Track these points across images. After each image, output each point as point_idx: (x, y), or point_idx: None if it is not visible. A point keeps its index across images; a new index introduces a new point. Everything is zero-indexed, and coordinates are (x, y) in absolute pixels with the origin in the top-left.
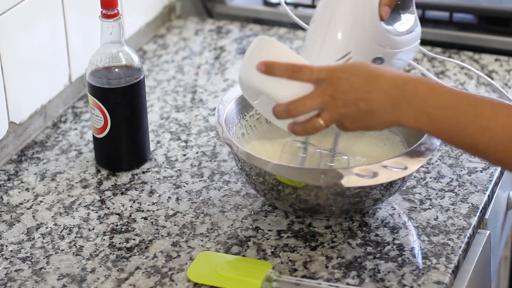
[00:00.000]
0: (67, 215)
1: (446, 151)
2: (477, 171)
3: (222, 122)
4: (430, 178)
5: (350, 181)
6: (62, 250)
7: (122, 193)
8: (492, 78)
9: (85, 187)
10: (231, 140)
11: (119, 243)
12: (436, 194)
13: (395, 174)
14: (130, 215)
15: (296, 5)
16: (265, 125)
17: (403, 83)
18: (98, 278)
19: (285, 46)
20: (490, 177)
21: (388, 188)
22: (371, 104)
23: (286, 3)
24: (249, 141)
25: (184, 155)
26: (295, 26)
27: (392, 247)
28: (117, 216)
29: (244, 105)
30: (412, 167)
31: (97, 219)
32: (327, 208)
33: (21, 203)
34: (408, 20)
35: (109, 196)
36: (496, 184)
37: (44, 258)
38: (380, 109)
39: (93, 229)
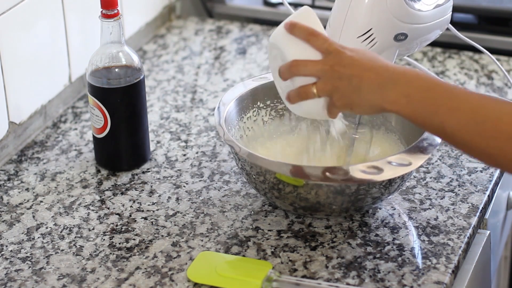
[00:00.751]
0: (67, 215)
1: (446, 151)
2: (477, 171)
3: (223, 123)
4: (430, 178)
5: (356, 178)
6: (62, 250)
7: (122, 193)
8: (492, 79)
9: (85, 187)
10: (233, 141)
11: (119, 243)
12: (436, 194)
13: (400, 170)
14: (130, 215)
15: (296, 5)
16: (262, 127)
17: (396, 68)
18: (98, 278)
19: (320, 23)
20: (490, 177)
21: (388, 186)
22: (361, 82)
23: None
24: (248, 142)
25: (184, 155)
26: None
27: (392, 247)
28: (117, 216)
29: (242, 107)
30: (416, 162)
31: (97, 219)
32: (327, 206)
33: (21, 203)
34: None
35: (109, 196)
36: (496, 184)
37: (44, 258)
38: (367, 87)
39: (93, 229)
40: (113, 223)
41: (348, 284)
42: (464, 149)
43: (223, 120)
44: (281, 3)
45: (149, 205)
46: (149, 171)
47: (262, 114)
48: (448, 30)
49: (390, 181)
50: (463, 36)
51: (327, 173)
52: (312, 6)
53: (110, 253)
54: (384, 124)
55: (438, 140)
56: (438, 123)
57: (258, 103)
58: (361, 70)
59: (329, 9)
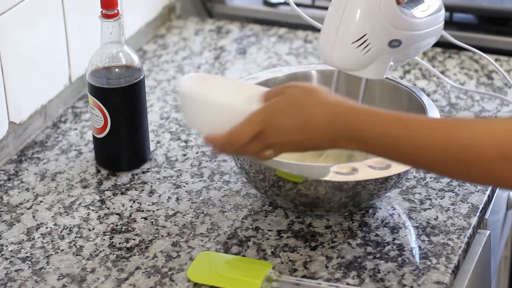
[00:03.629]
0: (67, 215)
1: None
2: None
3: None
4: (430, 178)
5: (365, 174)
6: (62, 250)
7: (122, 193)
8: (492, 79)
9: (85, 187)
10: None
11: (119, 243)
12: (436, 194)
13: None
14: (130, 215)
15: (296, 5)
16: None
17: (336, 120)
18: (98, 278)
19: (220, 78)
20: None
21: (384, 183)
22: (312, 142)
23: (286, 4)
24: None
25: (184, 155)
26: (295, 26)
27: (392, 247)
28: (117, 216)
29: None
30: None
31: (97, 219)
32: (326, 202)
33: (21, 203)
34: (431, 5)
35: (109, 196)
36: None
37: (44, 258)
38: (321, 145)
39: (93, 229)
40: (113, 223)
41: (348, 284)
42: (444, 175)
43: None
44: (281, 3)
45: (149, 205)
46: (149, 171)
47: None
48: (449, 30)
49: (386, 178)
50: (457, 41)
51: (335, 170)
52: (312, 6)
53: (110, 253)
54: None
55: None
56: (412, 162)
57: None
58: (302, 134)
59: None
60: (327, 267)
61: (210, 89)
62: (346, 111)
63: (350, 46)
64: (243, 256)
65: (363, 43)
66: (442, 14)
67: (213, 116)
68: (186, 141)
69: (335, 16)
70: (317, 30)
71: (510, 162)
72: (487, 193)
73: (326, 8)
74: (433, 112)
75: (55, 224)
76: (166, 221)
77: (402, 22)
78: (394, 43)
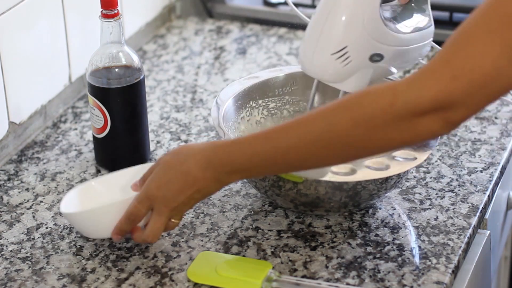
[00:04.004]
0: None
1: (446, 151)
2: (477, 171)
3: (221, 120)
4: (430, 178)
5: (364, 175)
6: (62, 250)
7: None
8: None
9: None
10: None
11: (119, 243)
12: (436, 194)
13: (407, 164)
14: None
15: (296, 5)
16: (255, 125)
17: (209, 162)
18: (98, 278)
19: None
20: (490, 177)
21: (384, 183)
22: (202, 192)
23: (286, 4)
24: None
25: None
26: (295, 27)
27: (392, 247)
28: None
29: (237, 106)
30: (420, 157)
31: None
32: (327, 202)
33: (21, 203)
34: (420, 20)
35: None
36: (496, 184)
37: (44, 258)
38: (210, 189)
39: None
40: None
41: (348, 284)
42: (327, 165)
43: (221, 119)
44: (281, 3)
45: None
46: None
47: (254, 114)
48: (449, 30)
49: (386, 177)
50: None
51: (333, 171)
52: (312, 6)
53: (110, 253)
54: None
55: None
56: (285, 169)
57: (251, 102)
58: (187, 193)
59: None
60: (327, 267)
61: (88, 199)
62: (214, 150)
63: (330, 57)
64: (243, 256)
65: (343, 55)
66: (431, 31)
67: (103, 220)
68: (186, 141)
69: (317, 25)
70: None
71: (363, 127)
72: (487, 193)
73: None
74: None
75: (55, 224)
76: None
77: (386, 36)
78: (376, 58)
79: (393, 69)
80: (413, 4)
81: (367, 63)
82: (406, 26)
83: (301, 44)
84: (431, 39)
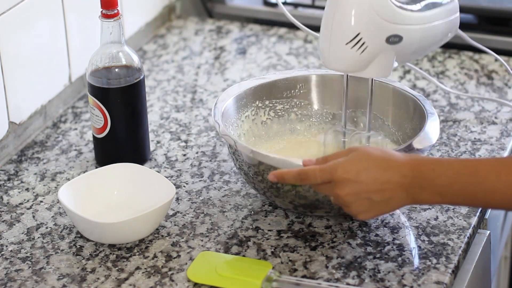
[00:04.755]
0: (67, 215)
1: (446, 151)
2: None
3: (219, 119)
4: None
5: None
6: (62, 250)
7: None
8: (492, 79)
9: None
10: (229, 137)
11: (119, 243)
12: None
13: None
14: None
15: (296, 5)
16: (260, 126)
17: (410, 170)
18: (98, 278)
19: None
20: None
21: None
22: (384, 196)
23: (286, 3)
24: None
25: (184, 155)
26: (295, 26)
27: (392, 247)
28: None
29: (239, 105)
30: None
31: None
32: (327, 204)
33: (21, 203)
34: None
35: None
36: None
37: (44, 258)
38: (395, 198)
39: None
40: None
41: (348, 284)
42: None
43: (220, 117)
44: (281, 3)
45: None
46: None
47: (260, 114)
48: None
49: None
50: (474, 42)
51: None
52: (312, 6)
53: (110, 253)
54: (382, 127)
55: (434, 140)
56: (483, 205)
57: (257, 102)
58: (378, 185)
59: None
60: (327, 267)
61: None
62: (418, 163)
63: (345, 47)
64: (243, 256)
65: (357, 42)
66: (454, 7)
67: (134, 228)
68: (186, 141)
69: (328, 18)
70: (317, 30)
71: None
72: None
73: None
74: (434, 121)
75: (55, 224)
76: (166, 221)
77: (397, 15)
78: (393, 39)
79: (422, 50)
80: None
81: (385, 46)
82: (422, 3)
83: (319, 40)
84: (457, 13)
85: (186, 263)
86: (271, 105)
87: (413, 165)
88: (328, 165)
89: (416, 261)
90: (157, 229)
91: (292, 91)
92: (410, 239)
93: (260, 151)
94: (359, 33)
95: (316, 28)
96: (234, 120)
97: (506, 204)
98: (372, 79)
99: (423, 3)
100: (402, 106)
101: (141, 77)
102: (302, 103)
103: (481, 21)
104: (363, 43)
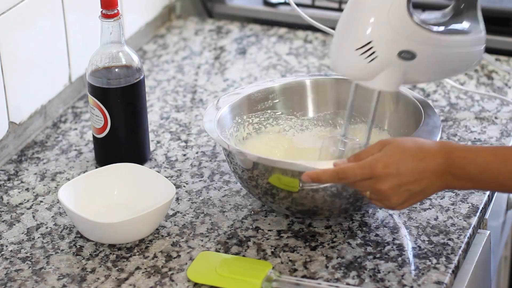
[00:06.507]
0: (67, 215)
1: None
2: None
3: (215, 124)
4: None
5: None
6: (62, 250)
7: None
8: (492, 79)
9: None
10: (222, 140)
11: (119, 243)
12: (436, 194)
13: None
14: None
15: (298, 5)
16: (242, 141)
17: (443, 157)
18: (98, 278)
19: None
20: None
21: None
22: (422, 185)
23: (286, 4)
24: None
25: (184, 155)
26: (295, 26)
27: (392, 247)
28: None
29: (237, 112)
30: None
31: None
32: (326, 210)
33: (21, 203)
34: (467, 25)
35: None
36: None
37: (44, 258)
38: (430, 186)
39: None
40: None
41: (348, 284)
42: None
43: (216, 122)
44: (281, 3)
45: None
46: None
47: (241, 130)
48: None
49: None
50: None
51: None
52: (312, 6)
53: (110, 253)
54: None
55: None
56: (508, 191)
57: (237, 118)
58: (415, 176)
59: (329, 9)
60: (327, 267)
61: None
62: (450, 148)
63: (355, 52)
64: (243, 256)
65: (367, 50)
66: (479, 38)
67: (136, 228)
68: (186, 141)
69: (344, 20)
70: (317, 30)
71: None
72: (487, 193)
73: (326, 8)
74: (435, 117)
75: (55, 224)
76: (166, 221)
77: (415, 33)
78: (405, 55)
79: (436, 74)
80: (461, 8)
81: (395, 60)
82: (445, 26)
83: (332, 42)
84: (482, 46)
85: (186, 263)
86: (248, 119)
87: (445, 153)
88: (366, 161)
89: (416, 261)
90: (157, 229)
91: (266, 103)
92: (410, 239)
93: (254, 154)
94: (371, 41)
95: (316, 29)
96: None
97: None
98: (379, 92)
99: (448, 25)
100: (401, 110)
101: (141, 77)
102: (276, 113)
103: None
104: (373, 52)
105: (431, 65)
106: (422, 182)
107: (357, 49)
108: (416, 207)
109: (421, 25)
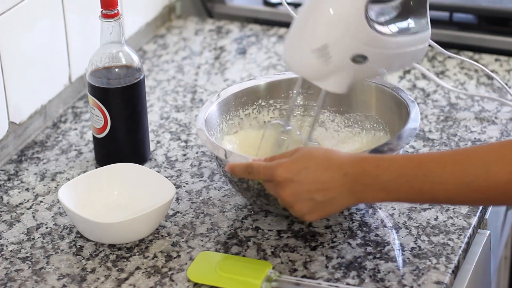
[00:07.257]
0: (67, 215)
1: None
2: None
3: (203, 125)
4: None
5: None
6: (62, 250)
7: None
8: (492, 79)
9: None
10: (212, 142)
11: (119, 243)
12: None
13: None
14: None
15: (296, 5)
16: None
17: (352, 167)
18: (98, 278)
19: None
20: None
21: None
22: (327, 195)
23: (287, 3)
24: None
25: (184, 155)
26: None
27: (392, 247)
28: None
29: (225, 109)
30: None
31: None
32: None
33: (21, 203)
34: (415, 23)
35: None
36: None
37: (44, 258)
38: (338, 198)
39: None
40: None
41: (348, 284)
42: (466, 204)
43: (203, 122)
44: (281, 3)
45: None
46: None
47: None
48: (449, 30)
49: None
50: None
51: None
52: None
53: (110, 253)
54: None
55: (402, 145)
56: (429, 199)
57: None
58: (319, 185)
59: None
60: (327, 267)
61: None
62: (360, 160)
63: (310, 54)
64: (243, 256)
65: (323, 52)
66: (426, 35)
67: (135, 228)
68: (186, 141)
69: (301, 20)
70: None
71: None
72: None
73: None
74: (414, 109)
75: (55, 224)
76: (166, 221)
77: (371, 38)
78: (358, 59)
79: (383, 70)
80: (411, 5)
81: (348, 63)
82: (397, 28)
83: (286, 39)
84: (427, 43)
85: (186, 263)
86: (231, 122)
87: (355, 162)
88: (272, 163)
89: (416, 261)
90: (157, 229)
91: (251, 103)
92: (410, 239)
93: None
94: (327, 43)
95: None
96: (217, 124)
97: (453, 196)
98: (325, 92)
99: (399, 26)
100: (380, 101)
101: (141, 77)
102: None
103: (481, 21)
104: (328, 55)
105: (380, 65)
106: (327, 192)
107: (313, 51)
108: (416, 207)
109: (377, 30)
